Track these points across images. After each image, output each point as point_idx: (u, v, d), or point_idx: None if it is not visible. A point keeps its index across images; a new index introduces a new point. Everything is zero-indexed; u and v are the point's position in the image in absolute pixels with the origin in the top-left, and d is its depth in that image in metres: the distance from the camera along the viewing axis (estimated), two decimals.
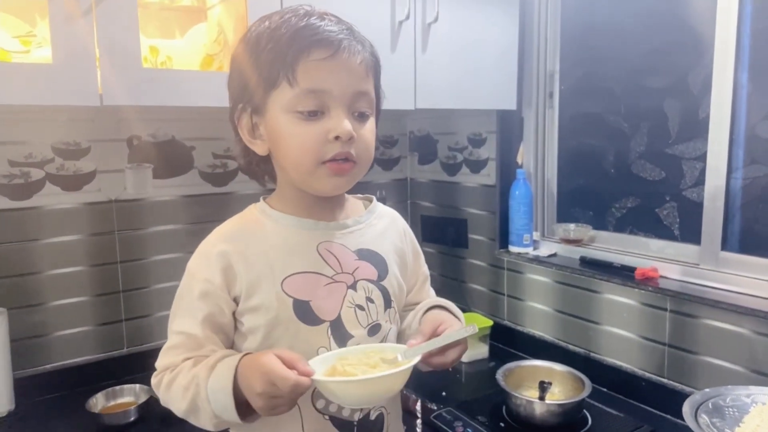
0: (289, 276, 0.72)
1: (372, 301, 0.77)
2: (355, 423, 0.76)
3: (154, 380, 0.75)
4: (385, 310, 0.78)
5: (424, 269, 0.91)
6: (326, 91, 0.69)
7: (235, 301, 0.73)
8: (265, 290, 0.72)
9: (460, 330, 0.73)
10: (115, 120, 1.39)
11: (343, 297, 0.74)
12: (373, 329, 0.76)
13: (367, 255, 0.78)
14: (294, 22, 0.69)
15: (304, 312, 0.72)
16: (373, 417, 0.78)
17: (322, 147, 0.69)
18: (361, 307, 0.75)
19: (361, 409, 0.76)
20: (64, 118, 1.33)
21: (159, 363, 0.74)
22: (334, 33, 0.69)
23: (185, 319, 0.73)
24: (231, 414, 0.66)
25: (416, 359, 0.68)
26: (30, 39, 1.11)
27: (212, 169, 1.51)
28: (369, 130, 0.73)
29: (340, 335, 0.74)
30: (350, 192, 0.82)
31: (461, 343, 0.74)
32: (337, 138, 0.69)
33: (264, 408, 0.64)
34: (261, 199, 0.80)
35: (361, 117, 0.72)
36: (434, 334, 0.73)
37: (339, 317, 0.74)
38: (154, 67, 1.15)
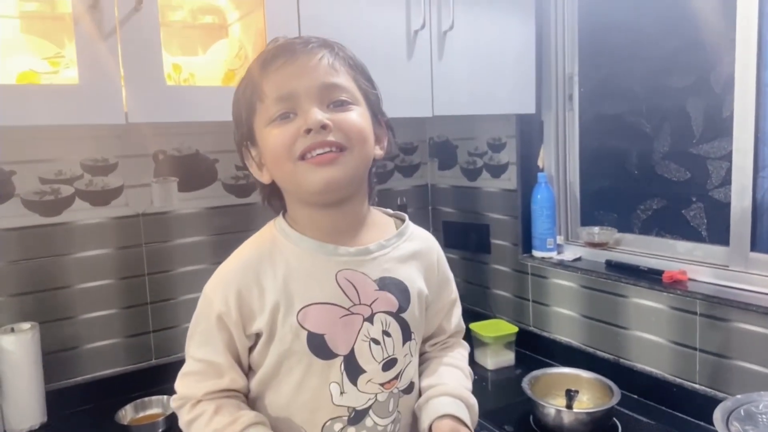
0: (305, 307, 0.71)
1: (389, 335, 0.74)
2: None
3: (174, 403, 0.75)
4: (404, 343, 0.75)
5: (453, 296, 0.87)
6: (292, 93, 0.68)
7: (250, 333, 0.72)
8: (280, 321, 0.71)
9: None
10: (141, 136, 1.42)
11: (358, 330, 0.72)
12: (388, 364, 0.74)
13: (388, 284, 0.75)
14: (263, 51, 0.72)
15: (318, 345, 0.70)
16: None
17: (295, 143, 0.68)
18: (377, 341, 0.73)
19: None
20: (93, 136, 1.36)
21: (179, 388, 0.75)
22: (291, 43, 0.71)
23: (205, 347, 0.73)
24: None
25: None
26: (59, 60, 1.15)
27: (235, 181, 1.54)
28: (354, 114, 0.70)
29: (353, 370, 0.72)
30: (378, 204, 0.80)
31: None
32: (308, 131, 0.67)
33: None
34: (281, 214, 0.78)
35: (341, 106, 0.70)
36: None
37: (352, 351, 0.71)
38: (177, 84, 1.18)
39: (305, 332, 0.70)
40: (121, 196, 1.40)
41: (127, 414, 1.27)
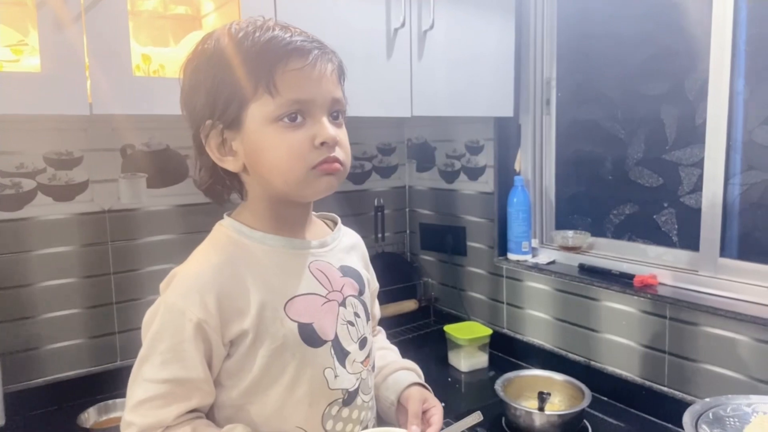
0: (289, 300, 0.73)
1: (358, 316, 0.79)
2: None
3: None
4: (367, 322, 0.82)
5: (377, 285, 0.93)
6: (311, 100, 0.70)
7: (228, 341, 0.70)
8: (270, 319, 0.71)
9: (468, 417, 0.81)
10: (109, 129, 1.38)
11: (336, 315, 0.76)
12: (362, 343, 0.79)
13: (348, 271, 0.81)
14: (259, 35, 0.69)
15: (309, 335, 0.73)
16: None
17: (310, 153, 0.70)
18: (351, 323, 0.78)
19: None
20: (57, 128, 1.31)
21: (137, 418, 0.68)
22: (305, 42, 0.70)
23: (173, 364, 0.68)
24: None
25: None
26: (22, 48, 1.10)
27: None
28: (345, 133, 0.75)
29: (340, 352, 0.76)
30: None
31: None
32: (323, 144, 0.70)
33: None
34: (225, 216, 0.78)
35: (337, 119, 0.73)
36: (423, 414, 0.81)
37: (336, 335, 0.76)
38: (146, 75, 1.14)
39: (295, 324, 0.72)
40: (86, 192, 1.35)
41: (89, 417, 1.23)
